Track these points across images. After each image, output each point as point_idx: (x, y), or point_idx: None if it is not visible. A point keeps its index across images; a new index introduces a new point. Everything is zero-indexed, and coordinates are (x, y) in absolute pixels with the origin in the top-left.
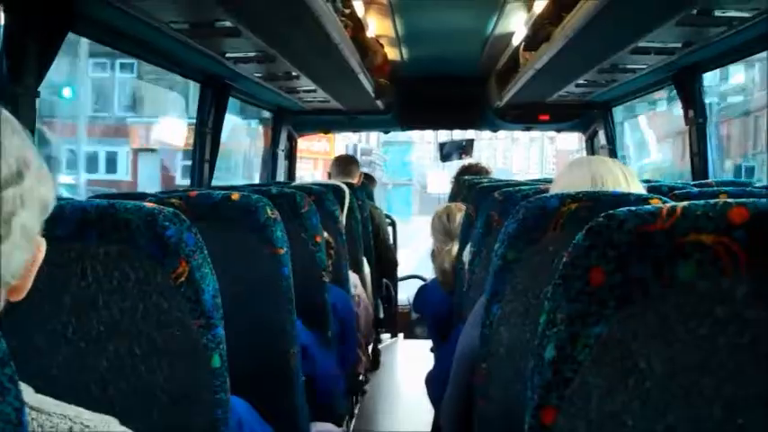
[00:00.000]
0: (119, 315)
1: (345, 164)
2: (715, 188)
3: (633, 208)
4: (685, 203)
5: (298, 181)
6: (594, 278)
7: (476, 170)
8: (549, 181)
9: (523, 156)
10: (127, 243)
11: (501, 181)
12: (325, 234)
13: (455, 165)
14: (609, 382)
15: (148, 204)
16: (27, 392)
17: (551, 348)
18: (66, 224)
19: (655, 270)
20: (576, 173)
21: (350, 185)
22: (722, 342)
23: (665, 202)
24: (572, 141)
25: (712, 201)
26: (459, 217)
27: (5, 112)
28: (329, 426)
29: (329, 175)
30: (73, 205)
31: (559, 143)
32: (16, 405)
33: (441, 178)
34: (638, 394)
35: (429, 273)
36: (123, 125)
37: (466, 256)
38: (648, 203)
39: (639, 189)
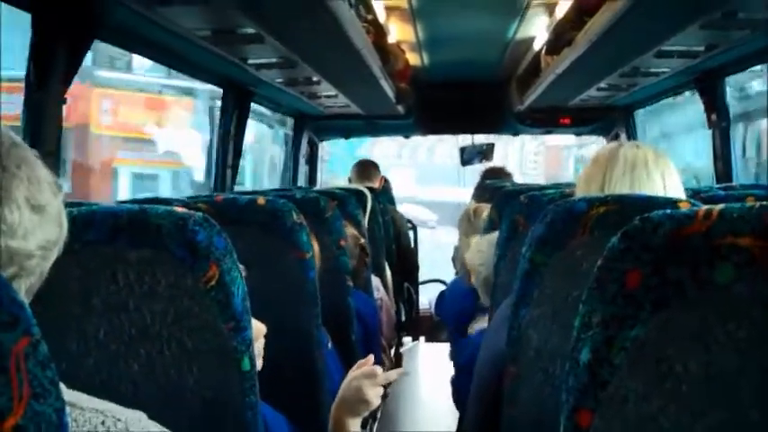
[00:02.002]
0: (150, 319)
1: (366, 168)
2: (741, 191)
3: (668, 210)
4: (721, 206)
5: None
6: (630, 281)
7: (499, 173)
8: (558, 185)
9: (500, 154)
10: (157, 247)
11: (524, 185)
12: (363, 241)
13: (419, 164)
14: (645, 386)
15: (178, 209)
16: (61, 388)
17: (587, 351)
18: (98, 229)
19: (691, 273)
20: (617, 172)
21: (371, 189)
22: (760, 345)
23: (693, 205)
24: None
25: (748, 204)
26: (485, 214)
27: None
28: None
29: (350, 180)
30: (104, 210)
31: (550, 137)
32: (57, 406)
33: (406, 179)
34: (675, 398)
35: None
36: None
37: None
38: (678, 207)
39: (679, 192)
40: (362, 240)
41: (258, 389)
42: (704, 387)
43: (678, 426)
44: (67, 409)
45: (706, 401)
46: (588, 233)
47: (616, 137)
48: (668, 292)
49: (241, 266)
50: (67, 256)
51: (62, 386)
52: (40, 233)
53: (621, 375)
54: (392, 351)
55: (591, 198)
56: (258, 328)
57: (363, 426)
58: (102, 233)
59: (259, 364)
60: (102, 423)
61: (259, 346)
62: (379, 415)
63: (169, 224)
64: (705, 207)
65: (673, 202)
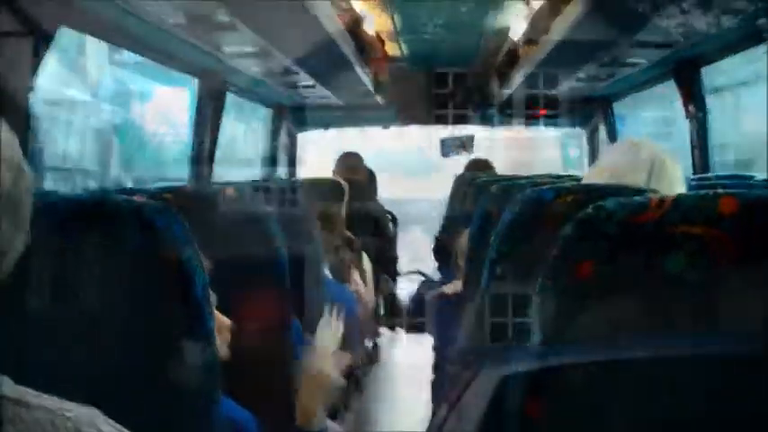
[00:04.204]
0: (107, 308)
1: (349, 159)
2: (714, 182)
3: (623, 199)
4: (675, 194)
5: None
6: (583, 269)
7: (481, 166)
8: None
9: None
10: (116, 235)
11: (500, 177)
12: (348, 233)
13: None
14: (595, 374)
15: (138, 198)
16: (6, 384)
17: (537, 339)
18: (56, 216)
19: (644, 261)
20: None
21: (354, 181)
22: (708, 332)
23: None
24: None
25: (702, 192)
26: None
27: None
28: (327, 422)
29: (333, 172)
30: (62, 197)
31: None
32: None
33: None
34: (625, 386)
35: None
36: None
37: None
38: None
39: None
40: (347, 233)
41: (220, 381)
42: (654, 374)
43: (626, 414)
44: (12, 406)
45: (655, 389)
46: (555, 222)
47: (595, 128)
48: (620, 279)
49: (206, 260)
50: None
51: (7, 382)
52: None
53: (570, 363)
54: (370, 343)
55: (559, 187)
56: (222, 323)
57: (333, 416)
58: (59, 220)
59: (222, 355)
60: (52, 423)
61: (222, 339)
62: (355, 406)
63: (127, 212)
64: (659, 195)
65: (636, 192)
